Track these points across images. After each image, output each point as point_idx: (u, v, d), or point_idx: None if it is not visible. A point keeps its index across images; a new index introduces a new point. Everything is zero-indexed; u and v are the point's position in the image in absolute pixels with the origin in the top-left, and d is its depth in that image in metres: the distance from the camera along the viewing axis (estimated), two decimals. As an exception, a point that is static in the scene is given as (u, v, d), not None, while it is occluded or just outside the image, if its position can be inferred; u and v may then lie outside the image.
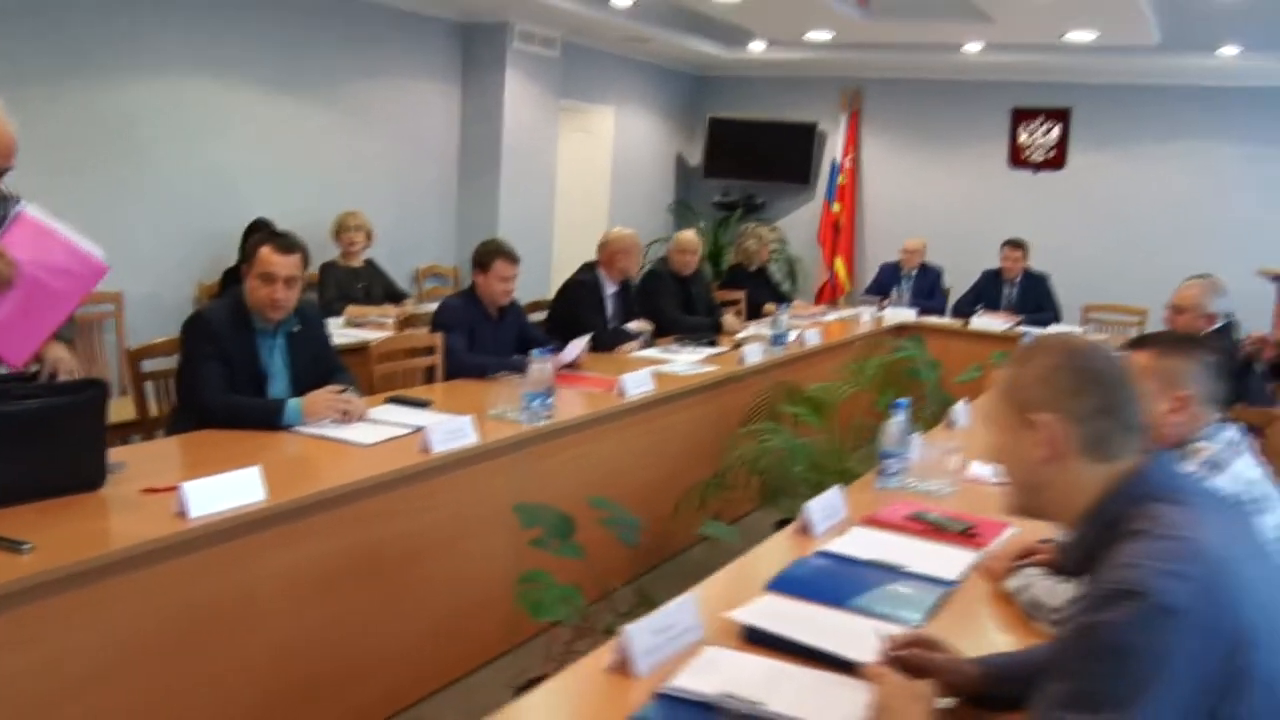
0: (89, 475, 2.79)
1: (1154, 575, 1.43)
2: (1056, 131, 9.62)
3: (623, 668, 1.97)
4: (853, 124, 10.32)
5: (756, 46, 9.67)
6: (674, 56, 10.16)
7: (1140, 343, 2.53)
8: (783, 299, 7.76)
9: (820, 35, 8.72)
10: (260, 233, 3.88)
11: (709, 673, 1.97)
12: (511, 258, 4.93)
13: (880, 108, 10.32)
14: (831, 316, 7.79)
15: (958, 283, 8.91)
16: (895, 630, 2.00)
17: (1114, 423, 1.64)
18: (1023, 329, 7.43)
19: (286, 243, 3.75)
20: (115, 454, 3.01)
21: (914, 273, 8.78)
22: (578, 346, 5.00)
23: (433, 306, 5.58)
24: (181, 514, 2.68)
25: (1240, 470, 2.32)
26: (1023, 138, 9.75)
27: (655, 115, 10.52)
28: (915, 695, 1.77)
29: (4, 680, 2.32)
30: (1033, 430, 1.66)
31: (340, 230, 6.59)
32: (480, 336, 4.94)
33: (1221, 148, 8.91)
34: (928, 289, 8.74)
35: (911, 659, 1.90)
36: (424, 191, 8.02)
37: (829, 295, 10.15)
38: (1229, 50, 7.99)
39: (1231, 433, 2.42)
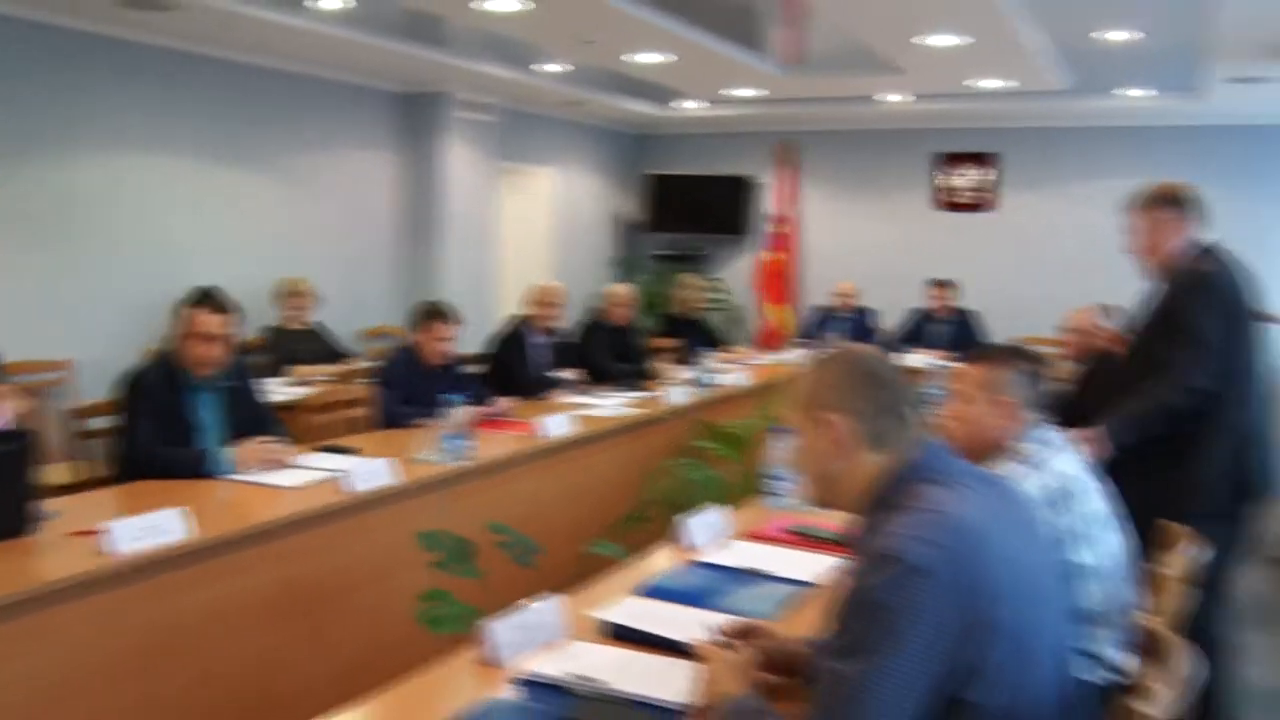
0: (13, 522, 3.00)
1: (909, 542, 1.69)
2: (985, 174, 10.03)
3: (487, 659, 2.22)
4: (787, 175, 10.69)
5: (689, 105, 10.05)
6: (610, 117, 10.53)
7: (968, 357, 2.82)
8: (717, 345, 8.07)
9: (745, 92, 9.10)
10: (192, 293, 4.11)
11: (565, 661, 2.22)
12: (446, 318, 5.19)
13: (813, 158, 10.72)
14: (763, 360, 8.07)
15: (888, 322, 9.25)
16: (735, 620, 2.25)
17: (893, 419, 1.90)
18: (954, 364, 7.71)
19: (216, 303, 4.00)
20: (50, 504, 3.24)
21: (849, 315, 9.09)
22: (501, 402, 5.24)
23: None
24: (107, 552, 2.91)
25: (1057, 466, 2.60)
26: (954, 180, 10.15)
27: (595, 174, 10.88)
28: (735, 666, 2.02)
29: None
30: (825, 429, 1.92)
31: (285, 295, 6.85)
32: (419, 391, 5.18)
33: (1138, 183, 9.24)
34: (861, 330, 9.04)
35: (743, 643, 2.15)
36: (369, 255, 8.31)
37: (769, 341, 10.45)
38: (1136, 91, 8.40)
39: (1050, 434, 2.70)
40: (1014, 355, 2.77)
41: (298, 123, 7.56)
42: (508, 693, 2.09)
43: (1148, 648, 2.02)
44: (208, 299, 4.00)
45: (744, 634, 2.19)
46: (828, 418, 1.91)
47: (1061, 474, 2.59)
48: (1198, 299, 3.59)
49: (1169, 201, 3.78)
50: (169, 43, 6.64)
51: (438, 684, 2.16)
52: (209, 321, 3.93)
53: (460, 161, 8.54)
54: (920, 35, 6.50)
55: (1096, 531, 2.57)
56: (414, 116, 8.50)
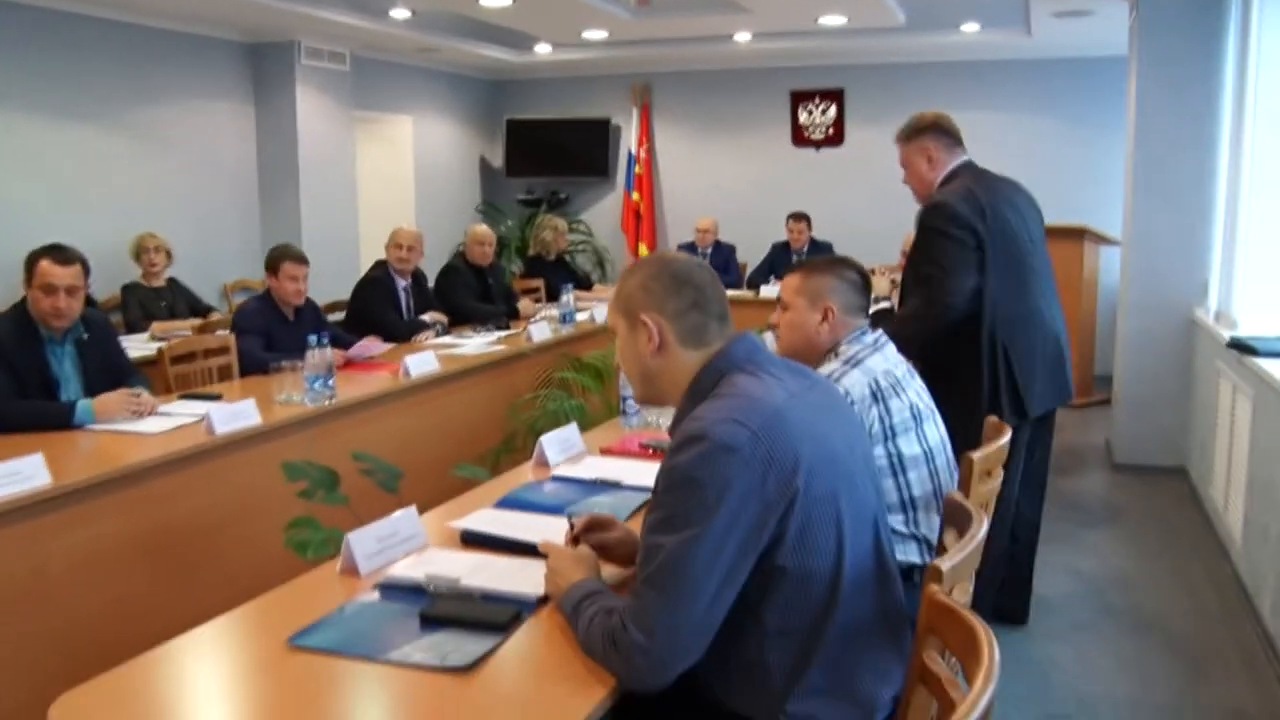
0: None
1: (714, 424, 1.86)
2: (833, 110, 10.29)
3: (349, 569, 2.35)
4: (644, 117, 10.83)
5: (543, 49, 10.09)
6: (466, 64, 10.51)
7: (793, 268, 3.02)
8: (582, 284, 8.22)
9: (597, 34, 9.19)
10: (37, 249, 4.09)
11: (423, 565, 2.36)
12: (298, 259, 5.24)
13: (668, 99, 10.86)
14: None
15: (753, 258, 9.51)
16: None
17: (704, 315, 2.06)
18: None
19: (65, 255, 3.99)
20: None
21: (709, 250, 9.32)
22: (370, 346, 5.33)
23: None
24: (-34, 499, 2.95)
25: (873, 364, 2.80)
26: (803, 118, 10.40)
27: (454, 121, 10.87)
28: (578, 558, 2.18)
29: None
30: (640, 329, 2.08)
31: (139, 251, 6.77)
32: (278, 337, 5.24)
33: (976, 115, 9.60)
34: (723, 264, 9.29)
35: (590, 539, 2.32)
36: (224, 208, 8.22)
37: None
38: (970, 27, 8.72)
39: (871, 336, 2.90)
40: (836, 264, 2.96)
41: (141, 76, 7.42)
42: (368, 596, 2.22)
43: (953, 519, 2.23)
44: (54, 250, 3.99)
45: (591, 528, 2.35)
46: (642, 318, 2.06)
47: (882, 371, 2.80)
48: (930, 226, 3.75)
49: (915, 132, 3.93)
50: (-2, -5, 6.47)
51: (300, 593, 2.27)
52: (55, 272, 3.92)
53: (312, 111, 8.47)
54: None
55: (917, 423, 2.79)
56: (262, 67, 8.39)
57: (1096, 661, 3.93)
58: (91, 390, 4.05)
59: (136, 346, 5.46)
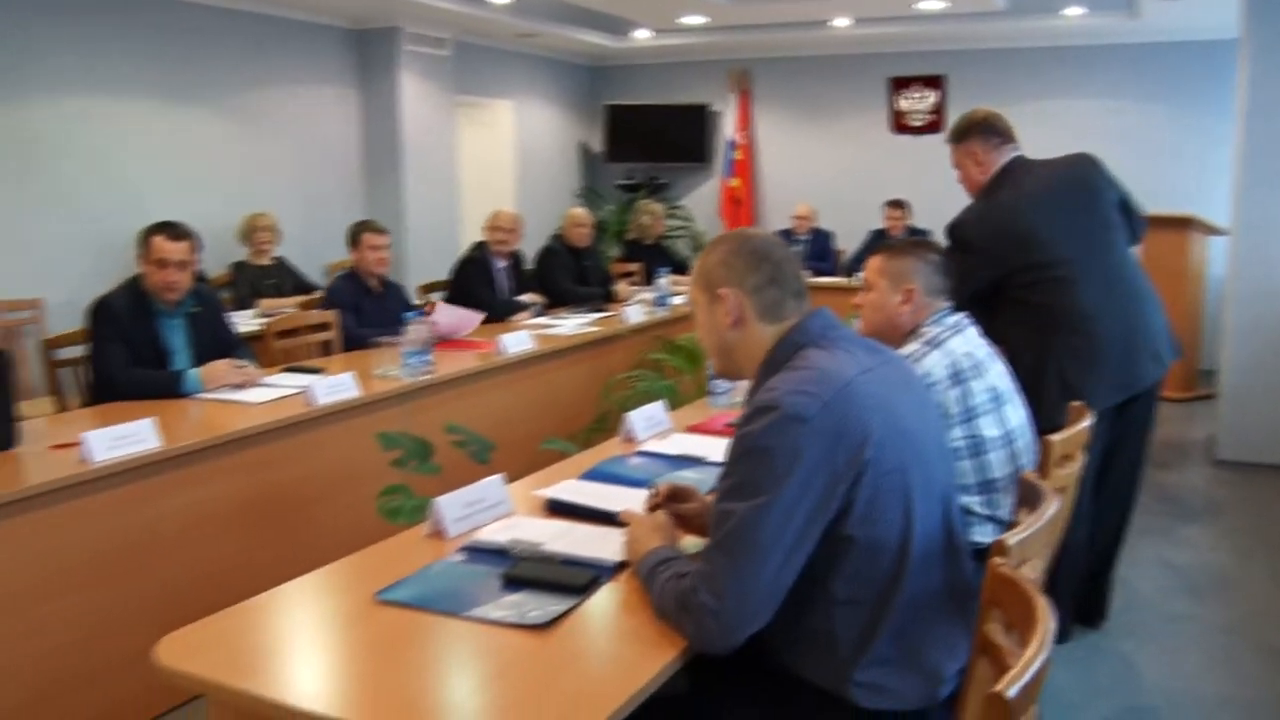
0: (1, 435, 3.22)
1: (786, 394, 1.90)
2: (933, 97, 10.18)
3: (436, 532, 2.44)
4: (743, 103, 10.83)
5: (641, 34, 10.15)
6: (566, 49, 10.62)
7: (876, 249, 3.04)
8: (679, 269, 8.27)
9: (695, 20, 9.23)
10: (150, 226, 4.28)
11: (508, 531, 2.44)
12: (377, 230, 5.43)
13: (767, 85, 10.84)
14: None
15: (850, 245, 9.48)
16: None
17: (781, 291, 2.11)
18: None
19: (176, 231, 4.17)
20: (29, 425, 3.44)
21: (806, 237, 9.31)
22: (466, 320, 5.45)
23: None
24: (85, 459, 3.12)
25: (954, 346, 2.81)
26: (902, 104, 10.30)
27: (554, 106, 10.99)
28: (655, 526, 2.25)
29: (-65, 599, 2.75)
30: (719, 303, 2.13)
31: (249, 231, 7.00)
32: (366, 311, 5.40)
33: (1083, 103, 9.51)
34: (819, 251, 9.27)
35: (670, 508, 2.38)
36: (330, 190, 8.44)
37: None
38: (1074, 10, 8.57)
39: (953, 318, 2.91)
40: (918, 246, 2.98)
41: (251, 62, 7.66)
42: (453, 557, 2.32)
43: (1026, 498, 2.25)
44: (166, 227, 4.17)
45: (672, 497, 2.41)
46: (721, 293, 2.12)
47: (963, 353, 2.81)
48: (960, 235, 3.71)
49: (962, 135, 3.85)
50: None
51: (389, 553, 2.37)
52: (167, 247, 4.10)
53: (415, 96, 8.65)
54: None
55: (997, 405, 2.79)
56: (366, 52, 8.59)
57: (1185, 657, 3.88)
58: (200, 361, 4.23)
59: (243, 322, 5.67)
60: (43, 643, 3.03)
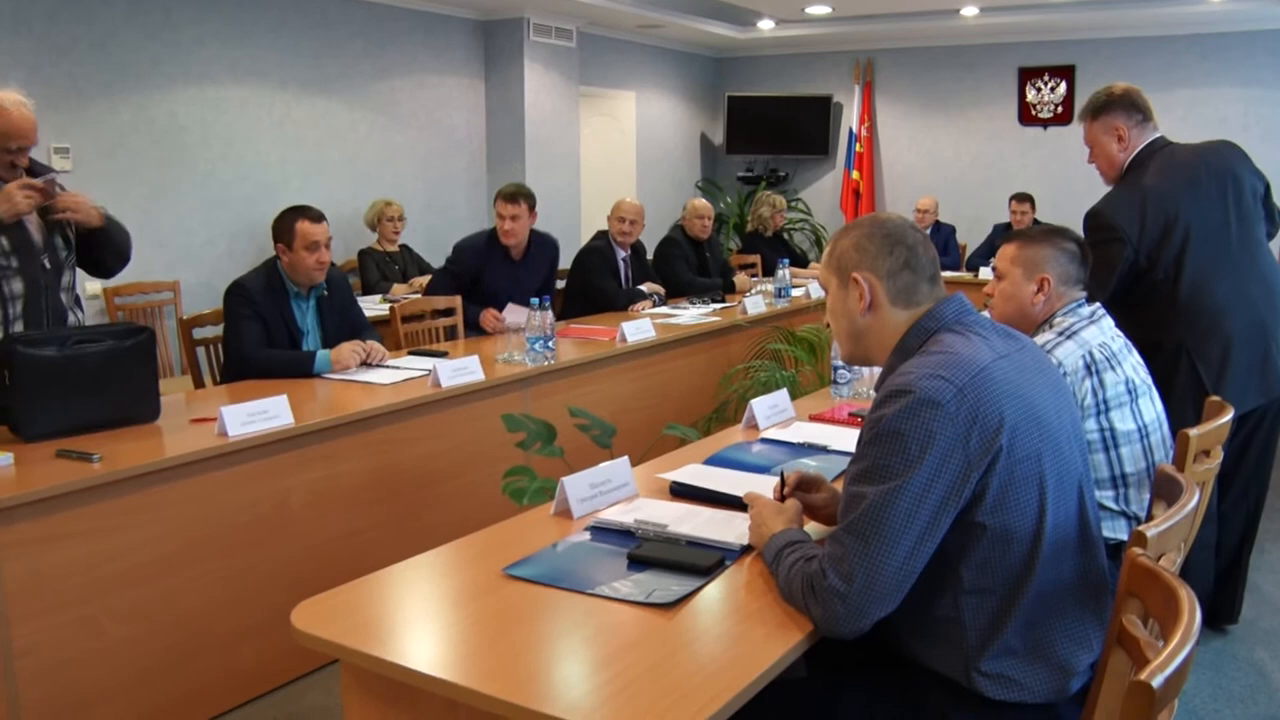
0: (145, 408, 3.34)
1: (920, 379, 1.88)
2: (1063, 88, 9.93)
3: (562, 511, 2.47)
4: (866, 94, 10.70)
5: (765, 25, 10.09)
6: (689, 40, 10.62)
7: (1009, 237, 2.97)
8: (798, 261, 8.23)
9: (820, 10, 9.14)
10: (286, 211, 4.39)
11: (633, 512, 2.46)
12: (509, 197, 5.44)
13: (891, 76, 10.70)
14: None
15: (973, 239, 9.32)
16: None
17: (915, 275, 2.08)
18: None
19: (315, 213, 4.30)
20: (168, 400, 3.57)
21: (928, 230, 9.16)
22: (517, 312, 5.33)
23: None
24: (221, 433, 3.22)
25: (1089, 337, 2.74)
26: (1031, 95, 10.07)
27: (676, 97, 11.00)
28: (780, 510, 2.24)
29: (83, 563, 2.88)
30: (853, 287, 2.11)
31: (378, 218, 7.16)
32: (495, 274, 5.46)
33: (1222, 92, 9.19)
34: (942, 245, 9.13)
35: (797, 496, 2.36)
36: (454, 179, 8.57)
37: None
38: (1214, -4, 8.29)
39: (1088, 309, 2.84)
40: (1053, 234, 2.90)
41: (381, 52, 7.82)
42: (579, 537, 2.34)
43: (1163, 490, 2.18)
44: (306, 210, 4.29)
45: (800, 486, 2.39)
46: (855, 276, 2.09)
47: (1097, 344, 2.74)
48: (1088, 238, 3.37)
49: (1104, 108, 3.61)
50: (258, -23, 6.93)
51: (516, 531, 2.40)
52: (315, 230, 4.23)
53: (539, 86, 8.73)
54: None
55: (1132, 398, 2.72)
56: (492, 43, 8.70)
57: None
58: (329, 343, 4.34)
59: (370, 307, 5.79)
60: (186, 605, 3.16)
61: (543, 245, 5.66)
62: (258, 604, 3.36)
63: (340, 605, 1.99)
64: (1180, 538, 2.00)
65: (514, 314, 5.27)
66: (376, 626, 1.91)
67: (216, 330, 4.54)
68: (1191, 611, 1.42)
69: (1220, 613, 3.93)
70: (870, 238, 2.11)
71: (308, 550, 3.52)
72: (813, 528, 2.31)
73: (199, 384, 4.62)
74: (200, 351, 4.66)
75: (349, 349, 4.20)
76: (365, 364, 4.25)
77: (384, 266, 7.00)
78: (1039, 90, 10.04)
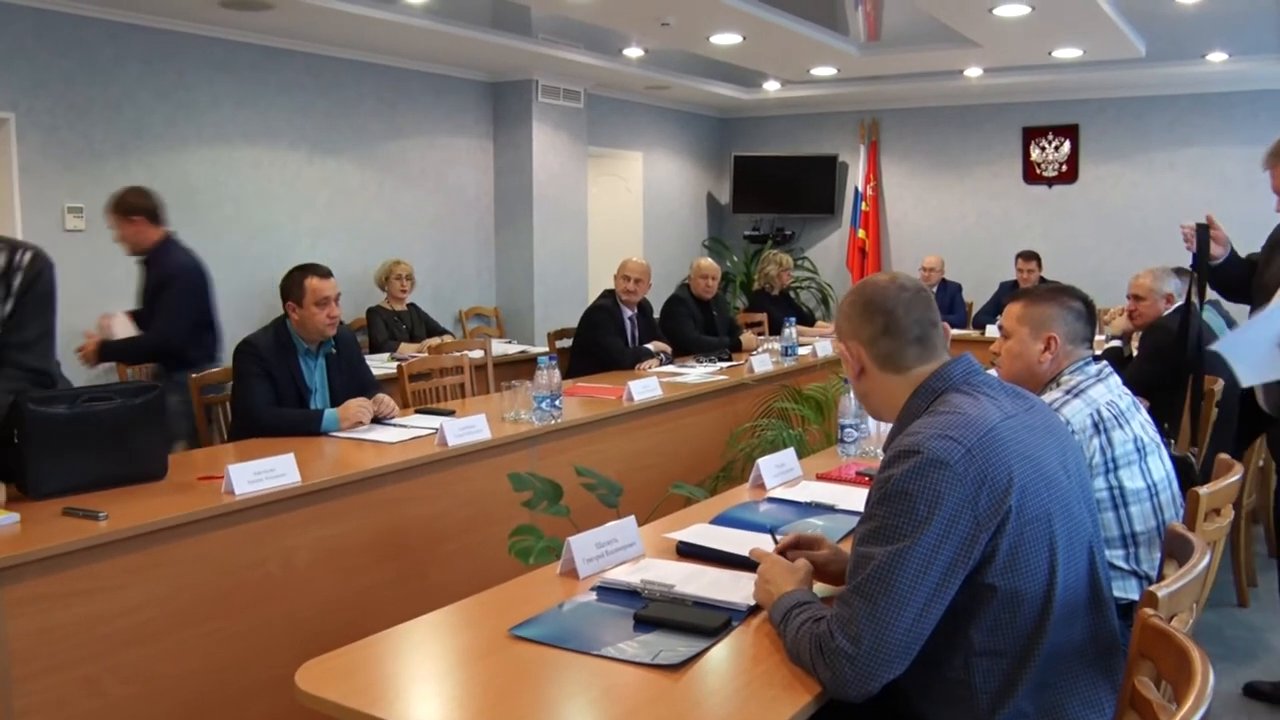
0: (153, 466, 3.35)
1: (929, 439, 1.88)
2: (1067, 147, 10.01)
3: (568, 571, 2.46)
4: (872, 153, 10.79)
5: (771, 86, 10.20)
6: (695, 101, 10.73)
7: (1015, 295, 2.98)
8: (805, 320, 8.25)
9: (825, 71, 9.24)
10: (294, 270, 4.42)
11: (639, 572, 2.44)
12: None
13: (897, 136, 10.79)
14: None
15: (979, 297, 9.34)
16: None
17: (895, 341, 2.08)
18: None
19: (323, 270, 4.33)
20: (176, 458, 3.57)
21: (934, 289, 9.18)
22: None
23: (476, 353, 6.32)
24: (228, 491, 3.22)
25: (1096, 395, 2.74)
26: (1035, 154, 10.15)
27: (682, 157, 11.10)
28: (790, 569, 2.22)
29: (87, 621, 2.86)
30: (844, 355, 2.14)
31: (387, 277, 7.21)
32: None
33: (1225, 150, 9.25)
34: (947, 304, 9.14)
35: (794, 555, 2.34)
36: (463, 238, 8.64)
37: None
38: (1217, 56, 8.35)
39: (1095, 367, 2.84)
40: (1059, 293, 2.92)
41: (391, 113, 7.91)
42: (585, 597, 2.32)
43: (1174, 550, 2.17)
44: (314, 268, 4.32)
45: (800, 545, 2.39)
46: (841, 345, 2.14)
47: (1105, 402, 2.74)
48: None
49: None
50: (266, 40, 7.01)
51: (522, 590, 2.39)
52: (325, 285, 4.26)
53: (547, 146, 8.82)
54: (991, 6, 6.58)
55: (1141, 457, 2.71)
56: (502, 104, 8.80)
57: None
58: (337, 401, 4.34)
59: (378, 365, 5.80)
60: (190, 665, 3.13)
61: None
62: (263, 664, 3.33)
63: (345, 665, 1.98)
64: (1192, 597, 1.99)
65: (120, 326, 5.06)
66: (382, 687, 1.89)
67: (227, 389, 4.55)
68: (1204, 673, 1.41)
69: None
70: (853, 305, 2.15)
71: (314, 609, 3.49)
72: (819, 587, 2.30)
73: (207, 442, 4.63)
74: (213, 410, 4.67)
75: (356, 404, 4.21)
76: (376, 418, 4.25)
77: (392, 325, 7.03)
78: (1043, 149, 10.12)
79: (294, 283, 4.30)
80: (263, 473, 3.32)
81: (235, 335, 4.41)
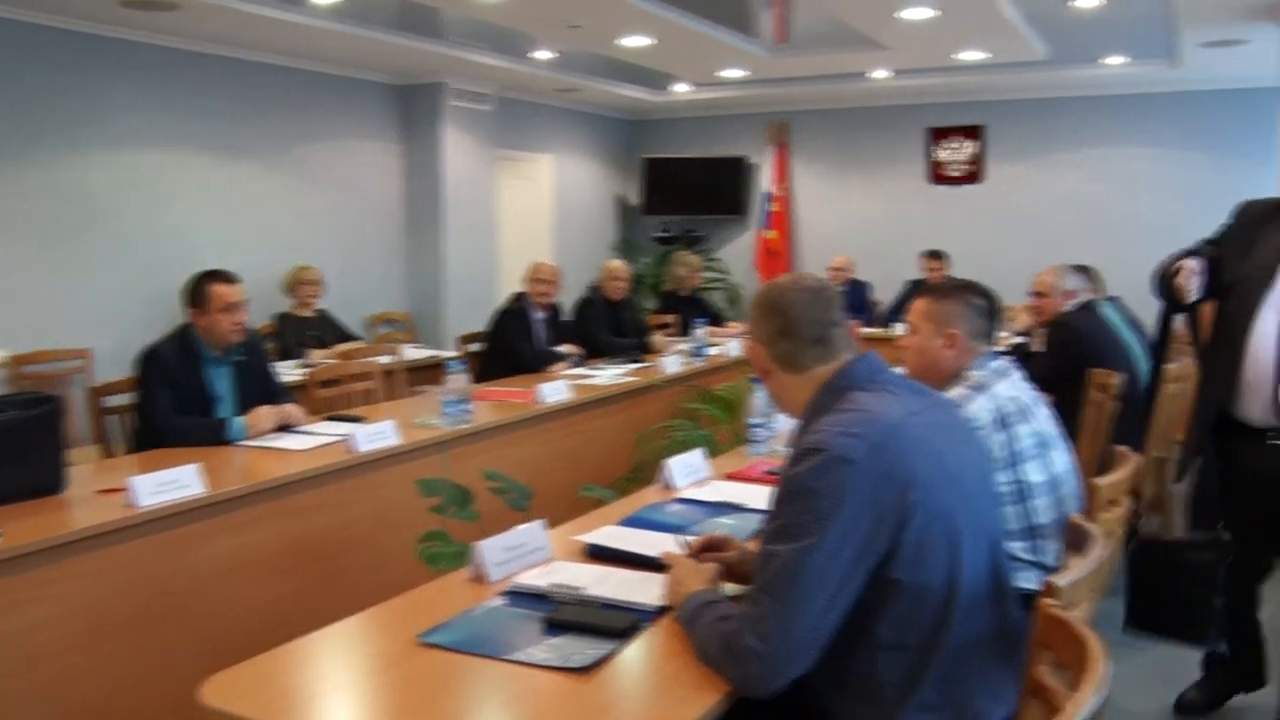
0: (50, 479, 3.26)
1: (833, 436, 1.91)
2: (971, 147, 10.20)
3: (477, 576, 2.45)
4: (780, 154, 10.90)
5: (681, 88, 10.25)
6: (605, 103, 10.74)
7: (920, 292, 3.04)
8: (715, 320, 8.29)
9: (735, 73, 9.31)
10: (199, 275, 4.34)
11: (548, 575, 2.44)
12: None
13: (805, 137, 10.91)
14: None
15: (888, 295, 9.49)
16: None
17: (792, 342, 2.12)
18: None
19: (229, 276, 4.27)
20: (77, 471, 3.48)
21: (843, 289, 9.29)
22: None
23: (385, 358, 6.25)
24: (130, 504, 3.15)
25: (999, 390, 2.80)
26: (941, 155, 10.33)
27: (592, 159, 11.11)
28: (698, 570, 2.25)
29: (-16, 641, 2.78)
30: (749, 354, 2.18)
31: (295, 283, 7.09)
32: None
33: (1127, 151, 9.49)
34: (856, 303, 9.25)
35: (706, 558, 2.36)
36: (372, 243, 8.55)
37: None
38: (1115, 60, 8.58)
39: (998, 362, 2.90)
40: (963, 290, 2.97)
41: (299, 116, 7.80)
42: (494, 601, 2.32)
43: (1074, 541, 2.23)
44: (219, 274, 4.25)
45: (710, 547, 2.41)
46: (747, 345, 2.19)
47: (1008, 397, 2.80)
48: None
49: None
50: (170, 42, 6.88)
51: (430, 597, 2.38)
52: (231, 291, 4.20)
53: (457, 150, 8.77)
54: (896, 9, 6.68)
55: (1043, 450, 2.77)
56: (411, 107, 8.73)
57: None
58: (245, 409, 4.27)
59: (288, 372, 5.71)
60: (95, 684, 3.05)
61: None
62: (171, 680, 3.24)
63: (253, 678, 1.96)
64: (1093, 588, 2.04)
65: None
66: (290, 699, 1.88)
67: (130, 398, 4.44)
68: (1099, 661, 1.45)
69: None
70: (756, 307, 2.20)
71: (224, 621, 3.43)
72: (728, 586, 2.32)
73: (109, 454, 4.52)
74: (113, 420, 4.56)
75: (264, 412, 4.14)
76: (283, 428, 4.19)
77: (300, 332, 6.92)
78: (948, 150, 10.30)
79: (198, 289, 4.22)
80: (167, 484, 3.25)
81: (140, 343, 4.31)
